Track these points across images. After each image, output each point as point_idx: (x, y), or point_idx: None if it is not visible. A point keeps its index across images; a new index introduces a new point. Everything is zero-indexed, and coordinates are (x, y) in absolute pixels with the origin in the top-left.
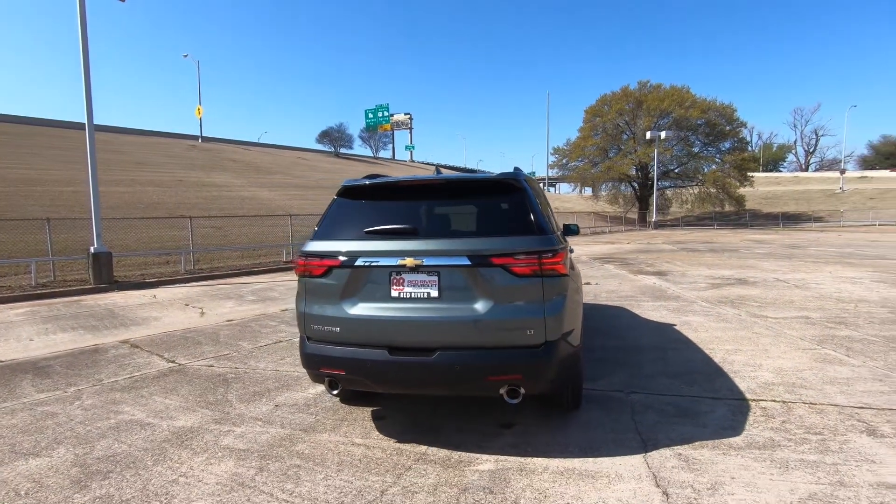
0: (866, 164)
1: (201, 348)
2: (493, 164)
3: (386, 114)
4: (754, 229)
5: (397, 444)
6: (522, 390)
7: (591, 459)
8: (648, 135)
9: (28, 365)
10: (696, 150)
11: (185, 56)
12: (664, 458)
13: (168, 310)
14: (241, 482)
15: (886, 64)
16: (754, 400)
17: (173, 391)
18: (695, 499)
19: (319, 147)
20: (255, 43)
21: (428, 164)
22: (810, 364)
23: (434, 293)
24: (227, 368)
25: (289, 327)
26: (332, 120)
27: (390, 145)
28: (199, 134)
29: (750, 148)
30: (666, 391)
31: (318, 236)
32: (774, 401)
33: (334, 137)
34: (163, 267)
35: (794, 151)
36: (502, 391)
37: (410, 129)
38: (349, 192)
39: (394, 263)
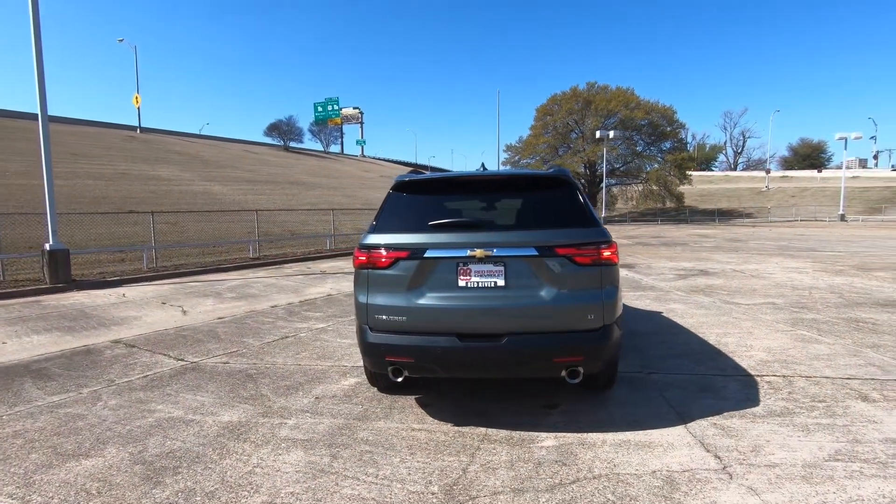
0: (787, 164)
1: (205, 346)
2: (444, 160)
3: (336, 107)
4: (694, 224)
5: (456, 428)
6: (582, 370)
7: (641, 432)
8: (598, 134)
9: (19, 368)
10: (639, 149)
11: (121, 41)
12: (703, 427)
13: (145, 309)
14: (321, 469)
15: (807, 72)
16: (758, 375)
17: (199, 388)
18: (743, 459)
19: (268, 140)
20: (194, 29)
21: (379, 159)
22: (792, 343)
23: (501, 282)
24: (245, 365)
25: (287, 323)
26: (280, 113)
27: (343, 139)
28: (136, 124)
29: (687, 148)
30: (679, 370)
31: (378, 229)
32: (775, 375)
33: (283, 131)
34: (119, 265)
35: (724, 152)
36: (563, 372)
37: (361, 123)
38: (403, 187)
39: (463, 255)
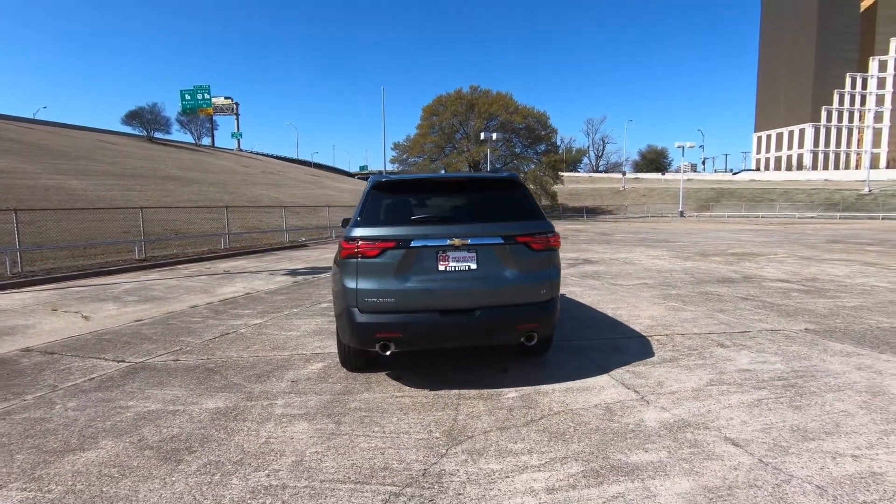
0: (638, 167)
1: (140, 347)
2: (326, 156)
3: (207, 96)
4: (567, 221)
5: (433, 392)
6: (536, 335)
7: (578, 381)
8: (483, 136)
9: None
10: (517, 150)
11: None
12: (620, 374)
13: (34, 316)
14: (331, 433)
15: (654, 88)
16: (648, 336)
17: (164, 384)
18: (652, 391)
19: (127, 130)
20: None
21: (259, 154)
22: (666, 312)
23: (473, 266)
24: (198, 360)
25: (219, 321)
26: (139, 99)
27: (215, 132)
28: None
29: (559, 151)
30: (592, 337)
31: (363, 224)
32: (660, 335)
33: (146, 119)
34: None
35: (587, 155)
36: (523, 338)
37: (237, 115)
38: (382, 187)
39: (443, 244)
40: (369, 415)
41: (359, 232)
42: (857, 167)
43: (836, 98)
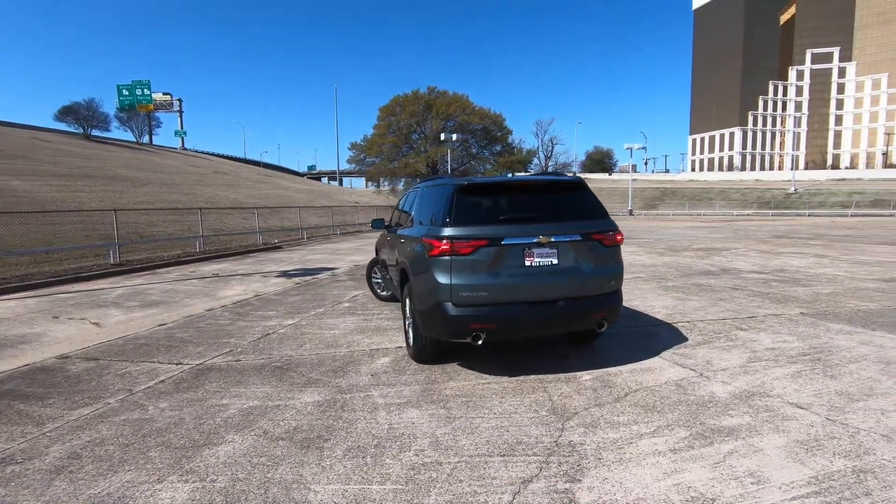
0: (585, 168)
1: (186, 350)
2: (273, 156)
3: (146, 92)
4: None
5: (514, 378)
6: (606, 323)
7: (639, 363)
8: (443, 136)
9: None
10: (474, 151)
11: None
12: (670, 356)
13: (38, 324)
14: (447, 417)
15: (600, 93)
16: (673, 323)
17: (244, 383)
18: (707, 369)
19: (62, 127)
20: None
21: (204, 153)
22: (675, 302)
23: (555, 261)
24: (261, 360)
25: (249, 323)
26: (69, 94)
27: (158, 129)
28: None
29: (513, 151)
30: (628, 326)
31: (453, 224)
32: (682, 322)
33: (83, 116)
34: None
35: (537, 156)
36: (595, 325)
37: (180, 112)
38: (465, 190)
39: (530, 241)
40: (470, 399)
41: (451, 231)
42: (779, 168)
43: (760, 104)
